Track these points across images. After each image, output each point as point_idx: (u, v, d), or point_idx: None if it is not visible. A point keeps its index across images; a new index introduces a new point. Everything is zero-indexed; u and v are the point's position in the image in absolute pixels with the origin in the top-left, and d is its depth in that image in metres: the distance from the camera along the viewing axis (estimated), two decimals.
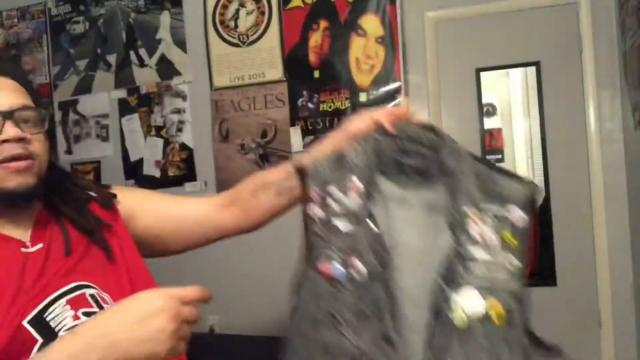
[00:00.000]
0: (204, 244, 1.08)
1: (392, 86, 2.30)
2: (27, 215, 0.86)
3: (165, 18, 2.66)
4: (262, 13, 2.50)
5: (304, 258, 0.92)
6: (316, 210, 0.92)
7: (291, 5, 2.45)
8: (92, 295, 0.82)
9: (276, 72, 2.48)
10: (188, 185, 2.62)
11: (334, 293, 0.87)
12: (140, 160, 2.71)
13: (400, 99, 1.07)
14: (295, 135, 2.44)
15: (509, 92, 3.12)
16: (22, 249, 0.82)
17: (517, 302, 0.85)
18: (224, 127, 2.55)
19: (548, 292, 2.25)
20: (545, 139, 2.26)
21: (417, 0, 2.33)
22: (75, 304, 0.79)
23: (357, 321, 0.85)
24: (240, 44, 2.53)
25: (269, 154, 2.48)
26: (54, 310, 0.77)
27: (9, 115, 0.81)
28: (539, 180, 2.42)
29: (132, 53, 2.72)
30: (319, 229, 0.91)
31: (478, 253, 0.85)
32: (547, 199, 2.27)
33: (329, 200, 0.92)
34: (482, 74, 2.32)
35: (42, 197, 0.88)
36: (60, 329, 0.76)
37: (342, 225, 0.90)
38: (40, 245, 0.84)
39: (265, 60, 2.49)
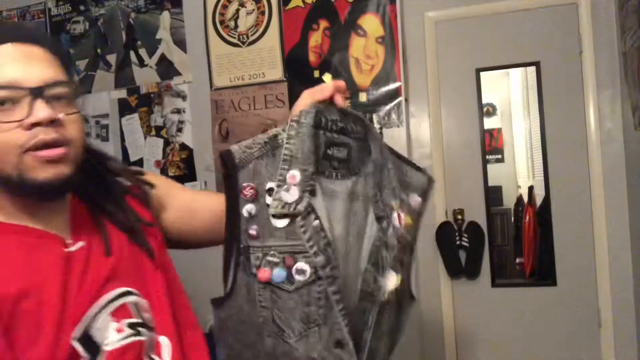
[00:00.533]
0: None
1: (392, 86, 2.30)
2: (61, 206, 0.76)
3: (165, 18, 2.66)
4: (262, 13, 2.50)
5: (234, 262, 0.85)
6: (249, 208, 0.84)
7: (291, 5, 2.45)
8: (133, 304, 0.76)
9: (276, 72, 2.48)
10: (188, 186, 2.62)
11: (275, 299, 0.83)
12: (140, 160, 2.70)
13: (324, 76, 0.96)
14: None
15: (509, 92, 3.12)
16: (65, 249, 0.73)
17: (406, 270, 0.95)
18: (224, 127, 2.55)
19: (548, 292, 2.25)
20: (545, 139, 2.26)
21: (417, 0, 2.34)
22: (118, 314, 0.73)
23: (306, 329, 0.82)
24: (240, 44, 2.53)
25: None
26: (98, 323, 0.71)
27: (39, 92, 0.68)
28: (538, 180, 2.42)
29: (132, 53, 2.72)
30: (254, 229, 0.84)
31: (395, 239, 0.90)
32: (547, 198, 2.27)
33: (267, 198, 0.84)
34: (482, 74, 2.31)
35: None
36: (104, 343, 0.71)
37: (281, 223, 0.83)
38: (81, 244, 0.75)
39: (265, 60, 2.49)
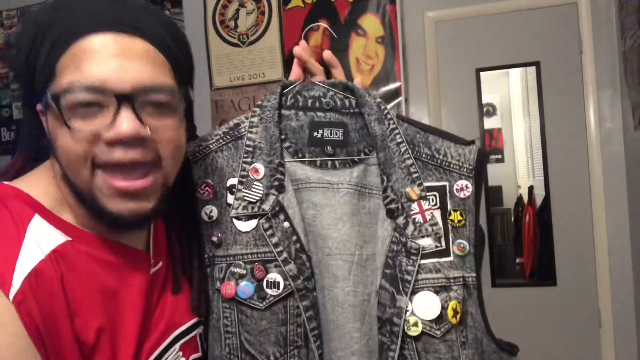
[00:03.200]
0: None
1: (392, 86, 2.30)
2: None
3: None
4: (262, 13, 2.50)
5: (198, 275, 0.71)
6: (208, 209, 0.72)
7: (291, 5, 2.45)
8: (200, 335, 0.70)
9: (276, 72, 2.48)
10: None
11: (243, 321, 0.69)
12: None
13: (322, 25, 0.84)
14: None
15: (509, 92, 3.12)
16: (149, 269, 0.65)
17: (469, 293, 0.71)
18: None
19: (548, 292, 2.25)
20: (545, 139, 2.26)
21: (417, 0, 2.33)
22: (187, 348, 0.67)
23: (283, 352, 0.68)
24: (240, 44, 2.53)
25: None
26: (167, 358, 0.64)
27: (126, 99, 0.53)
28: (538, 180, 2.42)
29: None
30: (216, 235, 0.71)
31: (426, 242, 0.70)
32: (547, 198, 2.27)
33: (228, 196, 0.72)
34: (482, 74, 2.31)
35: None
36: None
37: (246, 226, 0.70)
38: (160, 265, 0.67)
39: (265, 60, 2.49)
